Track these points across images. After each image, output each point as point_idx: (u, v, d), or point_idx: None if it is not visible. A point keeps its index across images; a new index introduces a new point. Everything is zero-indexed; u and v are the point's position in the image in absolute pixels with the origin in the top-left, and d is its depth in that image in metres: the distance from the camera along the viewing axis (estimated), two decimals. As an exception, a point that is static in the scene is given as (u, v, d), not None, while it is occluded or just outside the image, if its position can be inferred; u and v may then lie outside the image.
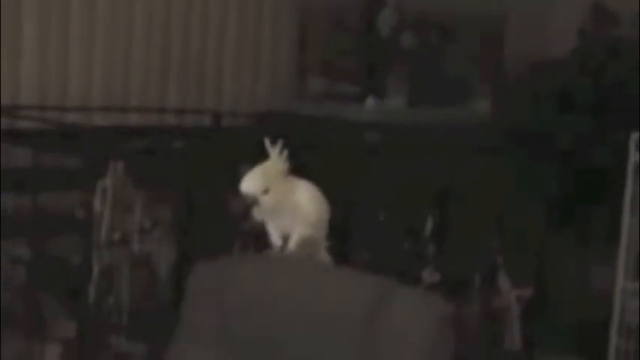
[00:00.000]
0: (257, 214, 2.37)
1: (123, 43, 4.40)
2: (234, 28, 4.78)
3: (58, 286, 3.58)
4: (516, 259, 4.14)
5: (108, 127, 4.14)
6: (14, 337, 3.52)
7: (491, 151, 4.43)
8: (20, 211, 3.73)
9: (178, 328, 2.35)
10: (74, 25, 4.24)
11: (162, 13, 4.52)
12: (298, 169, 2.42)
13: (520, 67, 5.01)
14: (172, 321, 2.41)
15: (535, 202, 4.40)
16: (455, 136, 4.45)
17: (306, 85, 5.11)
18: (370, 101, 4.91)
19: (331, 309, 2.18)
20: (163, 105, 4.55)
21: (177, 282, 3.54)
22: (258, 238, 2.49)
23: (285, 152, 2.35)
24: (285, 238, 2.40)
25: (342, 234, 3.84)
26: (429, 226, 4.09)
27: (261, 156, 2.37)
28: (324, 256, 2.45)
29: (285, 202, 2.36)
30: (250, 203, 2.33)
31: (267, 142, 2.36)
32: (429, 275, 3.94)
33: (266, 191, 2.33)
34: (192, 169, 3.66)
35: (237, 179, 2.36)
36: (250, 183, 2.33)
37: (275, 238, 2.40)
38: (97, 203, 3.48)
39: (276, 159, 2.35)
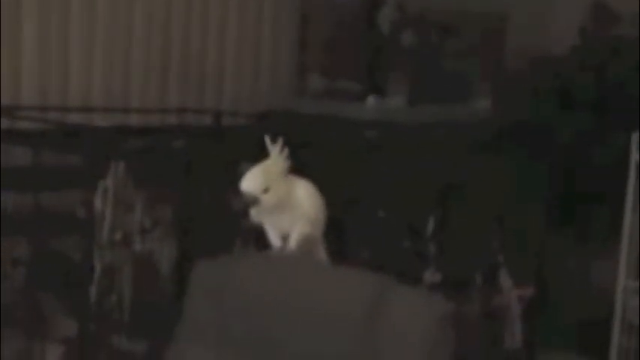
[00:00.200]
0: (255, 216, 2.37)
1: (123, 43, 4.40)
2: (235, 27, 4.79)
3: (59, 285, 3.58)
4: (517, 258, 4.14)
5: (108, 127, 4.14)
6: (15, 336, 3.52)
7: (491, 149, 4.43)
8: (21, 211, 3.73)
9: (179, 327, 2.36)
10: (74, 26, 4.24)
11: (162, 13, 4.52)
12: (299, 167, 2.43)
13: (521, 65, 5.01)
14: (174, 320, 2.41)
15: (535, 201, 4.40)
16: (455, 135, 4.45)
17: (307, 84, 5.11)
18: (371, 100, 4.91)
19: (331, 308, 2.18)
20: (164, 105, 4.55)
21: (178, 281, 3.54)
22: (259, 237, 2.49)
23: (286, 151, 2.35)
24: (284, 238, 2.40)
25: (342, 233, 3.84)
26: (431, 225, 4.09)
27: (262, 155, 2.38)
28: (322, 254, 2.45)
29: (285, 201, 2.36)
30: (251, 202, 2.33)
31: (267, 141, 2.36)
32: (431, 275, 3.94)
33: (266, 190, 2.33)
34: (192, 169, 3.66)
35: (237, 178, 2.36)
36: (251, 182, 2.33)
37: (274, 239, 2.41)
38: (98, 203, 3.49)
39: (277, 158, 2.35)
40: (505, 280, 4.08)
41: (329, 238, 2.50)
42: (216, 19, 4.71)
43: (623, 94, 4.46)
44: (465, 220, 4.14)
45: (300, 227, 2.38)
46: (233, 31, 4.78)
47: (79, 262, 3.50)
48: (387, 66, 5.08)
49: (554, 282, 4.34)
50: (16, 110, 3.97)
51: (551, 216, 4.35)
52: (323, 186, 2.45)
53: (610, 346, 3.92)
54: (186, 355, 2.33)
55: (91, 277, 3.47)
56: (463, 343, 2.25)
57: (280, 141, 2.35)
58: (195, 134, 4.28)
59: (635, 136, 3.82)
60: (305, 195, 2.40)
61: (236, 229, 3.57)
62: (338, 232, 3.75)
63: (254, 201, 2.33)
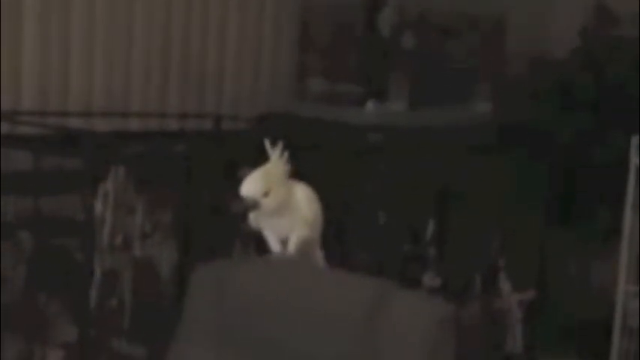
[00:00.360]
0: (253, 221, 2.37)
1: (123, 47, 4.40)
2: (235, 29, 4.79)
3: (59, 289, 3.58)
4: (517, 260, 4.14)
5: (109, 132, 4.14)
6: (15, 341, 3.52)
7: (491, 151, 4.43)
8: (22, 215, 3.74)
9: (179, 329, 2.36)
10: (74, 29, 4.24)
11: (162, 16, 4.52)
12: (299, 171, 2.43)
13: (521, 66, 5.01)
14: (174, 323, 2.41)
15: (535, 201, 4.40)
16: (456, 137, 4.45)
17: (307, 87, 5.11)
18: (371, 103, 4.91)
19: (331, 309, 2.18)
20: (164, 108, 4.55)
21: (178, 285, 3.54)
22: (259, 241, 2.49)
23: (286, 154, 2.35)
24: (284, 242, 2.40)
25: (342, 236, 3.84)
26: (430, 229, 4.09)
27: (262, 158, 2.37)
28: (319, 257, 2.45)
29: (285, 204, 2.36)
30: (251, 206, 2.33)
31: (267, 144, 2.36)
32: (430, 279, 3.94)
33: (266, 194, 2.33)
34: (192, 173, 3.66)
35: (237, 182, 2.36)
36: (251, 186, 2.33)
37: (273, 244, 2.41)
38: (98, 207, 3.49)
39: (277, 161, 2.35)
40: (505, 283, 4.08)
41: (329, 241, 2.50)
42: (216, 21, 4.72)
43: (623, 95, 4.46)
44: (465, 224, 4.14)
45: (298, 230, 2.38)
46: (233, 33, 4.78)
47: (79, 266, 3.50)
48: (387, 69, 5.08)
49: (554, 283, 4.34)
50: (16, 115, 3.98)
51: (551, 216, 4.35)
52: (323, 189, 2.45)
53: (610, 349, 3.92)
54: (187, 355, 2.33)
55: (91, 281, 3.47)
56: (463, 346, 2.25)
57: (280, 144, 2.35)
58: (195, 138, 4.29)
59: (634, 140, 3.81)
60: (303, 198, 2.40)
61: (236, 232, 3.57)
62: (338, 236, 3.76)
63: (254, 205, 2.33)
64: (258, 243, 2.49)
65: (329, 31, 5.17)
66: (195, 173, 3.63)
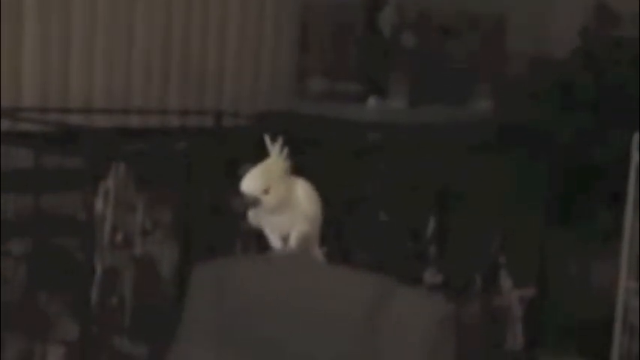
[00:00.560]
0: (253, 218, 2.37)
1: (123, 44, 4.40)
2: (235, 29, 4.79)
3: (60, 287, 3.58)
4: (517, 258, 4.14)
5: (109, 129, 4.14)
6: (16, 339, 3.52)
7: (491, 150, 4.43)
8: (22, 213, 3.74)
9: (179, 329, 2.36)
10: (75, 27, 4.24)
11: (162, 14, 4.52)
12: (299, 168, 2.43)
13: (521, 65, 5.01)
14: (175, 322, 2.41)
15: (535, 201, 4.40)
16: (456, 136, 4.45)
17: (308, 85, 5.11)
18: (371, 101, 4.91)
19: (331, 308, 2.18)
20: (164, 106, 4.55)
21: (179, 282, 3.54)
22: (260, 238, 2.50)
23: (286, 150, 2.35)
24: (284, 239, 2.40)
25: (342, 234, 3.84)
26: (431, 226, 4.09)
27: (263, 155, 2.38)
28: (318, 252, 2.45)
29: (286, 201, 2.36)
30: (251, 203, 2.33)
31: (267, 140, 2.36)
32: (431, 277, 3.94)
33: (267, 190, 2.33)
34: (193, 170, 3.66)
35: (238, 180, 2.36)
36: (251, 183, 2.33)
37: (274, 241, 2.41)
38: (98, 204, 3.49)
39: (277, 158, 2.35)
40: (505, 281, 4.08)
41: (330, 239, 2.50)
42: (216, 20, 4.72)
43: (623, 95, 4.46)
44: (465, 223, 4.14)
45: (298, 226, 2.38)
46: (233, 32, 4.78)
47: (80, 264, 3.50)
48: (387, 67, 5.08)
49: (554, 282, 4.34)
50: (16, 112, 3.98)
51: (551, 216, 4.35)
52: (324, 187, 2.45)
53: (611, 346, 3.92)
54: (187, 355, 2.33)
55: (92, 279, 3.47)
56: (464, 344, 2.25)
57: (280, 140, 2.35)
58: (195, 135, 4.29)
59: (635, 137, 3.82)
60: (303, 194, 2.40)
61: (237, 229, 3.57)
62: (338, 234, 3.76)
63: (255, 202, 2.33)
64: (259, 240, 2.49)
65: (329, 30, 5.17)
66: (196, 170, 3.63)
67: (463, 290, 3.99)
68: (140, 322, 3.54)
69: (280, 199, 2.35)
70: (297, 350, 2.19)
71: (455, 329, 2.18)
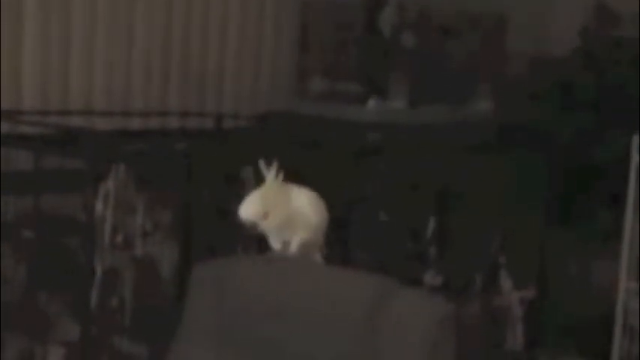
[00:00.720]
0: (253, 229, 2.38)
1: (124, 46, 4.40)
2: (235, 29, 4.79)
3: (60, 288, 3.58)
4: (517, 258, 4.14)
5: (109, 130, 4.14)
6: (16, 339, 3.53)
7: (491, 150, 4.44)
8: (22, 214, 3.74)
9: (179, 329, 2.36)
10: (75, 28, 4.24)
11: (162, 15, 4.52)
12: (300, 169, 2.43)
13: (521, 66, 5.02)
14: (175, 322, 2.41)
15: (535, 201, 4.40)
16: (456, 136, 4.46)
17: (308, 86, 5.11)
18: (372, 102, 4.91)
19: (331, 309, 2.18)
20: (164, 106, 4.56)
21: (179, 283, 3.54)
22: (260, 239, 2.50)
23: (281, 175, 2.33)
24: (286, 242, 2.40)
25: (342, 235, 3.84)
26: (431, 226, 4.09)
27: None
28: (318, 258, 2.46)
29: (286, 220, 2.36)
30: (251, 228, 2.34)
31: (261, 165, 2.35)
32: (431, 278, 3.94)
33: (265, 215, 2.33)
34: (194, 171, 3.66)
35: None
36: (249, 210, 2.33)
37: (275, 244, 2.41)
38: (99, 206, 3.49)
39: (272, 182, 2.34)
40: (505, 281, 4.08)
41: (330, 240, 2.50)
42: (216, 20, 4.72)
43: (623, 95, 4.46)
44: (465, 221, 4.14)
45: (301, 233, 2.39)
46: (234, 32, 4.79)
47: (80, 265, 3.50)
48: (387, 68, 5.08)
49: (554, 282, 4.34)
50: (17, 114, 3.98)
51: (551, 216, 4.35)
52: (324, 188, 2.45)
53: (611, 347, 3.92)
54: (187, 356, 2.33)
55: (92, 280, 3.48)
56: (464, 345, 2.25)
57: (275, 165, 2.34)
58: (196, 137, 4.29)
59: (635, 138, 3.82)
60: (306, 203, 2.39)
61: (237, 231, 3.57)
62: (339, 235, 3.76)
63: (254, 227, 2.34)
64: (260, 241, 2.49)
65: (329, 30, 5.17)
66: (196, 171, 3.63)
67: (463, 290, 3.99)
68: (140, 323, 3.54)
69: (280, 222, 2.35)
70: (297, 350, 2.19)
71: (455, 329, 2.18)
